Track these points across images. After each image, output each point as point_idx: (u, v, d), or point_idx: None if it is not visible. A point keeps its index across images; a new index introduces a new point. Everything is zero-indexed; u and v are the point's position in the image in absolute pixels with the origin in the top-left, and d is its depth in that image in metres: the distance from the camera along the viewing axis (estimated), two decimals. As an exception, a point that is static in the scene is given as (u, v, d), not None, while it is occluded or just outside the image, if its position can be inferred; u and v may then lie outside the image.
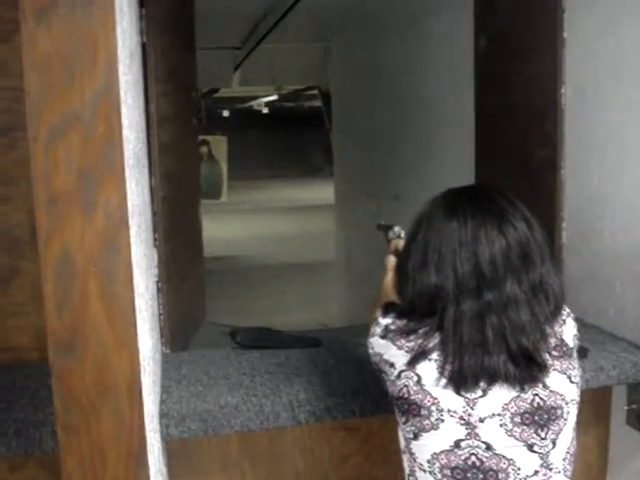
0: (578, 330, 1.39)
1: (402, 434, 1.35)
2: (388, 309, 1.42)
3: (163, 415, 1.65)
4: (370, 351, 1.41)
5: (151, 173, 2.01)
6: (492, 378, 1.25)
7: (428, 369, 1.27)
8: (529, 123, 2.47)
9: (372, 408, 1.74)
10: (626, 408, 2.04)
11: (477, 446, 1.26)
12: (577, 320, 1.40)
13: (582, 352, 1.85)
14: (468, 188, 1.38)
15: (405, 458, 1.36)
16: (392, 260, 1.66)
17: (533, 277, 1.27)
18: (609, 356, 1.94)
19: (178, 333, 2.26)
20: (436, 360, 1.27)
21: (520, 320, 1.25)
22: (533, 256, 1.28)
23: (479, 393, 1.25)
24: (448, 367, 1.26)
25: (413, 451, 1.32)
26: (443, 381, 1.26)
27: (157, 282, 2.07)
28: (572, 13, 2.23)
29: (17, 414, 1.66)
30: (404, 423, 1.32)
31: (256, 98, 16.48)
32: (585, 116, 2.20)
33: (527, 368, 1.25)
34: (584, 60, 2.20)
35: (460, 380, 1.25)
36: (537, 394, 1.26)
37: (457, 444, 1.27)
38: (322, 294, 7.94)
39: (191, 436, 1.69)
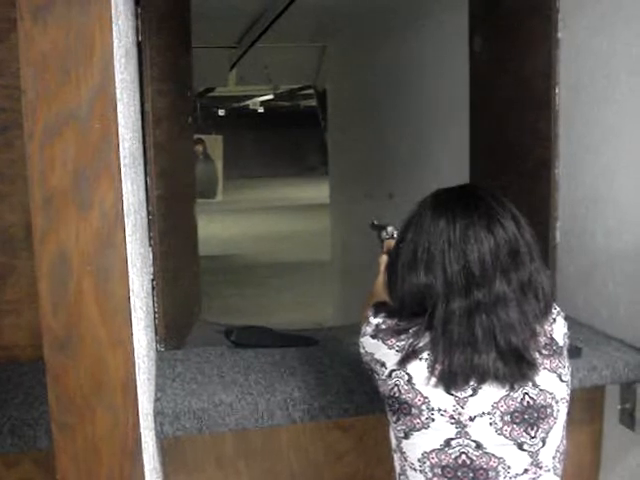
0: (571, 330, 1.39)
1: (393, 433, 1.36)
2: (379, 308, 1.42)
3: (158, 413, 1.66)
4: (361, 350, 1.41)
5: (146, 172, 2.02)
6: (482, 377, 1.25)
7: (419, 368, 1.28)
8: (523, 123, 2.48)
9: (366, 407, 1.74)
10: (619, 407, 2.05)
11: (467, 445, 1.27)
12: (571, 320, 1.41)
13: (576, 352, 1.87)
14: (457, 188, 1.38)
15: (396, 457, 1.37)
16: (385, 260, 1.67)
17: (522, 276, 1.27)
18: (602, 356, 1.95)
19: (173, 331, 2.26)
20: (426, 359, 1.28)
21: (509, 318, 1.25)
22: (522, 255, 1.28)
23: (469, 392, 1.26)
24: (438, 366, 1.26)
25: (404, 450, 1.33)
26: (433, 380, 1.26)
27: (152, 280, 2.07)
28: (566, 13, 2.24)
29: (12, 412, 1.65)
30: (395, 422, 1.33)
31: (252, 97, 16.46)
32: (579, 116, 2.21)
33: (516, 366, 1.25)
34: (578, 60, 2.21)
35: (450, 379, 1.26)
36: (527, 393, 1.27)
37: (447, 443, 1.28)
38: (317, 293, 7.95)
39: (186, 434, 1.70)
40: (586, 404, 2.13)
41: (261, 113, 18.99)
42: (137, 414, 1.30)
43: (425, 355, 1.28)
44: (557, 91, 2.29)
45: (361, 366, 1.44)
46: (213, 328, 2.61)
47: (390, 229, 1.79)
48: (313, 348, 2.09)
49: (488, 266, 1.25)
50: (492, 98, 2.71)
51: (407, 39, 4.32)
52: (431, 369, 1.27)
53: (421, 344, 1.29)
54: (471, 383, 1.26)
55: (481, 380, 1.26)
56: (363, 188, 5.52)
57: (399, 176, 4.59)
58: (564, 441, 1.34)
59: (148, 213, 2.04)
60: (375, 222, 1.87)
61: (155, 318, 2.09)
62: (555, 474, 1.32)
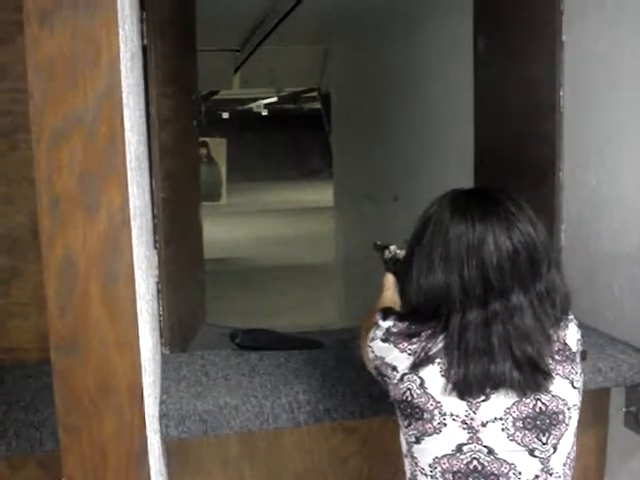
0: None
1: (404, 438, 1.34)
2: (387, 313, 1.40)
3: (163, 415, 1.66)
4: (370, 355, 1.39)
5: (152, 175, 2.02)
6: (497, 385, 1.25)
7: (432, 373, 1.27)
8: (528, 125, 2.48)
9: (371, 409, 1.75)
10: (624, 410, 2.05)
11: (479, 450, 1.26)
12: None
13: (581, 354, 1.86)
14: (475, 190, 1.36)
15: (407, 462, 1.36)
16: (390, 278, 1.64)
17: (539, 284, 1.26)
18: (607, 358, 1.95)
19: (178, 334, 2.26)
20: (439, 363, 1.27)
21: (524, 326, 1.24)
22: (539, 262, 1.27)
23: (482, 397, 1.25)
24: (453, 373, 1.25)
25: (415, 455, 1.32)
26: (447, 387, 1.25)
27: (157, 283, 2.07)
28: (570, 16, 2.24)
29: (17, 414, 1.66)
30: (406, 427, 1.31)
31: (255, 100, 16.47)
32: (583, 118, 2.21)
33: (532, 376, 1.25)
34: (582, 62, 2.21)
35: (465, 387, 1.25)
36: (539, 399, 1.26)
37: (459, 448, 1.27)
38: (321, 296, 7.94)
39: (191, 436, 1.70)
40: (591, 407, 2.13)
41: (265, 116, 19.01)
42: (143, 416, 1.30)
43: (438, 360, 1.27)
44: (561, 94, 2.29)
45: (368, 372, 1.43)
46: (218, 331, 2.61)
47: (393, 248, 1.77)
48: (318, 351, 2.09)
49: (506, 274, 1.24)
50: (496, 101, 2.71)
51: (411, 41, 4.32)
52: (445, 375, 1.26)
53: (435, 349, 1.27)
54: (486, 391, 1.25)
55: (496, 388, 1.25)
56: (368, 191, 5.52)
57: (404, 179, 4.58)
58: (574, 448, 1.34)
59: (153, 216, 2.04)
60: (378, 243, 1.84)
61: (160, 321, 2.10)
62: None
